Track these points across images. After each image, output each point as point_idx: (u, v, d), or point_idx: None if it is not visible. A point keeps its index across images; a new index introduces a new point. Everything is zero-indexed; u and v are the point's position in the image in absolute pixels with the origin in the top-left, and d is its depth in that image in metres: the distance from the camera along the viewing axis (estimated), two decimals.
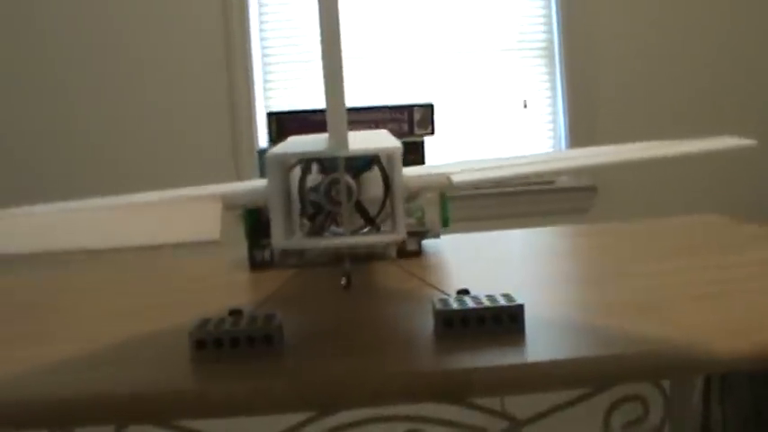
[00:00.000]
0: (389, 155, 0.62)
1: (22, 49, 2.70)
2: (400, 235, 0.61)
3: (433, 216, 1.06)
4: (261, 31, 2.78)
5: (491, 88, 2.81)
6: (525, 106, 2.83)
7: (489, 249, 1.12)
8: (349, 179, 0.61)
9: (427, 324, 0.70)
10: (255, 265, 1.05)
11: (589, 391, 0.67)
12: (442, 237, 1.08)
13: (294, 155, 0.62)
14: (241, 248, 1.05)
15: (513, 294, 0.69)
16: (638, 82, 2.82)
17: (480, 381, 0.58)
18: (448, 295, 0.71)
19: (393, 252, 1.04)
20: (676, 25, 2.83)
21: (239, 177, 2.62)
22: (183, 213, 0.58)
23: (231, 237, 1.04)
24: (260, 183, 0.67)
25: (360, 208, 0.64)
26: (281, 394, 0.59)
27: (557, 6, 2.81)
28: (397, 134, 0.94)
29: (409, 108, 1.10)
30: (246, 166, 2.66)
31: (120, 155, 2.71)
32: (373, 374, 0.60)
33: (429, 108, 1.10)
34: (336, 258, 1.00)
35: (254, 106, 2.74)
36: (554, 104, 2.85)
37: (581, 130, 2.78)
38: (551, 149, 2.83)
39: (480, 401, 0.66)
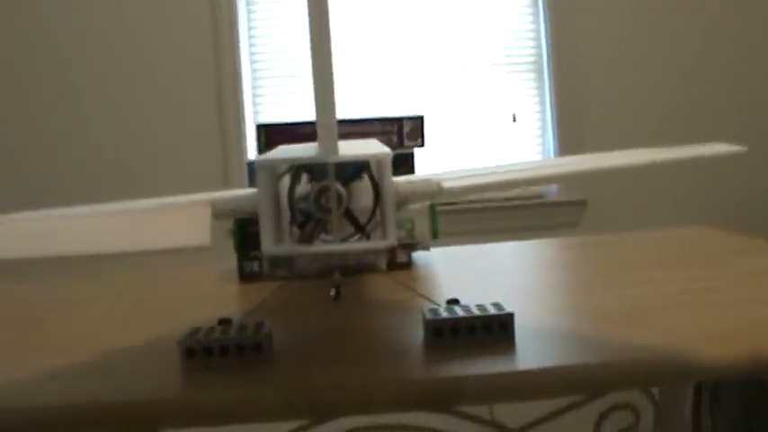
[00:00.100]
0: (379, 160, 0.62)
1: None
2: (390, 241, 0.61)
3: (423, 228, 1.05)
4: (250, 45, 2.79)
5: (481, 102, 2.83)
6: (515, 120, 2.84)
7: (479, 261, 1.12)
8: (339, 186, 0.61)
9: (417, 334, 0.70)
10: (245, 276, 1.04)
11: (579, 400, 0.67)
12: (432, 249, 1.08)
13: (284, 160, 0.62)
14: (230, 261, 1.05)
15: (503, 303, 0.69)
16: (626, 96, 2.84)
17: (471, 388, 0.58)
18: (438, 305, 0.71)
19: (383, 264, 1.04)
20: (664, 40, 2.85)
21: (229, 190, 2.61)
22: (172, 219, 0.57)
23: (221, 250, 1.05)
24: (249, 190, 0.67)
25: (350, 216, 0.64)
26: (271, 402, 0.59)
27: (545, 21, 2.83)
28: (387, 146, 0.94)
29: (399, 120, 1.10)
30: (236, 181, 2.66)
31: (108, 168, 2.71)
32: (364, 382, 0.60)
33: (419, 120, 1.10)
34: (326, 271, 1.00)
35: (244, 120, 2.75)
36: (543, 118, 2.86)
37: (570, 143, 2.80)
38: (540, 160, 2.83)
39: (470, 411, 0.66)
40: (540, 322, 0.72)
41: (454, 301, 0.71)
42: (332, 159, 0.59)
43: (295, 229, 0.65)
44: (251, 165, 1.06)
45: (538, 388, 0.59)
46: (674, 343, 0.63)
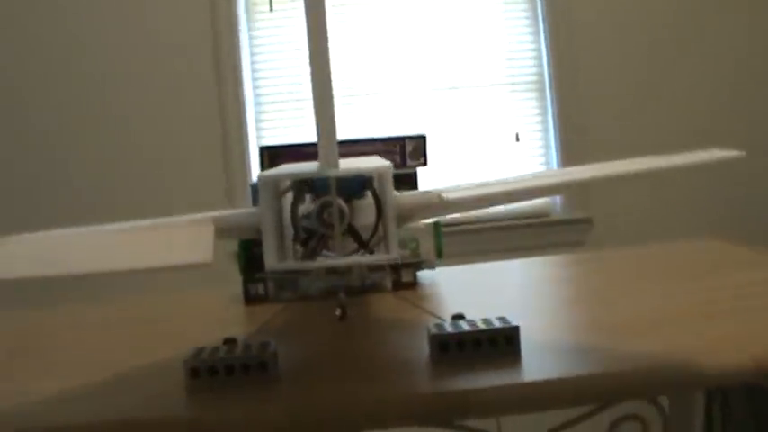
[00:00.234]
0: (380, 174, 0.62)
1: None
2: (393, 255, 0.61)
3: (427, 247, 1.05)
4: (253, 71, 2.80)
5: (483, 122, 2.83)
6: (518, 140, 2.84)
7: (485, 279, 1.12)
8: (341, 201, 0.61)
9: (423, 349, 0.70)
10: (250, 298, 1.04)
11: (587, 412, 0.66)
12: (437, 269, 1.08)
13: (286, 176, 0.62)
14: (236, 285, 1.05)
15: (508, 317, 0.69)
16: (628, 114, 2.84)
17: (477, 401, 0.58)
18: (443, 320, 0.71)
19: (388, 283, 1.04)
20: (666, 58, 2.85)
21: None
22: (175, 237, 0.57)
23: (226, 275, 1.04)
24: (252, 209, 0.67)
25: (352, 232, 0.64)
26: (277, 420, 0.58)
27: (546, 41, 2.84)
28: None
29: (401, 139, 1.10)
30: (239, 205, 2.66)
31: (111, 190, 2.71)
32: (369, 397, 0.60)
33: (421, 139, 1.10)
34: (331, 292, 1.00)
35: (247, 144, 2.76)
36: (545, 137, 2.87)
37: (573, 162, 2.79)
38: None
39: (478, 424, 0.66)
40: (546, 335, 0.72)
41: (459, 316, 0.71)
42: (333, 173, 0.60)
43: (298, 247, 0.65)
44: (254, 187, 1.06)
45: (544, 399, 0.59)
46: (679, 352, 0.62)
